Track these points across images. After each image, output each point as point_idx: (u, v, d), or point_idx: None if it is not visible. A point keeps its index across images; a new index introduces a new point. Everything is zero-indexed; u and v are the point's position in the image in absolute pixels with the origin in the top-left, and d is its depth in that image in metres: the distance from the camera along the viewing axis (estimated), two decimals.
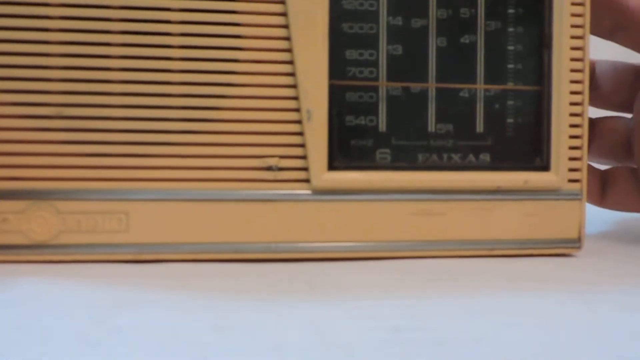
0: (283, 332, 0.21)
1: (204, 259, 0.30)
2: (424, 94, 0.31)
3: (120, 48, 0.29)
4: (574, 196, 0.33)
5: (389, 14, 0.31)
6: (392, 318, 0.22)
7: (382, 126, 0.31)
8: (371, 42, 0.31)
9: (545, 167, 0.32)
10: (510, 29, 0.32)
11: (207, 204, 0.30)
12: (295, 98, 0.30)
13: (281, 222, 0.30)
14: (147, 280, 0.27)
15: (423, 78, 0.31)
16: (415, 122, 0.31)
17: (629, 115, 0.39)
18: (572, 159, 0.33)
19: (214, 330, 0.21)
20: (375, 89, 0.31)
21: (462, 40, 0.32)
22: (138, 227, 0.29)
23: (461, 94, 0.32)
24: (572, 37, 0.32)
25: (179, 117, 0.29)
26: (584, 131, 0.33)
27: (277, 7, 0.30)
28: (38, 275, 0.26)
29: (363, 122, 0.31)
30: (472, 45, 0.32)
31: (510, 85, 0.32)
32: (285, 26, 0.30)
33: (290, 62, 0.30)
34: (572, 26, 0.32)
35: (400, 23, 0.31)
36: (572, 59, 0.32)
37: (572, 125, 0.32)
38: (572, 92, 0.32)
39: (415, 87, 0.31)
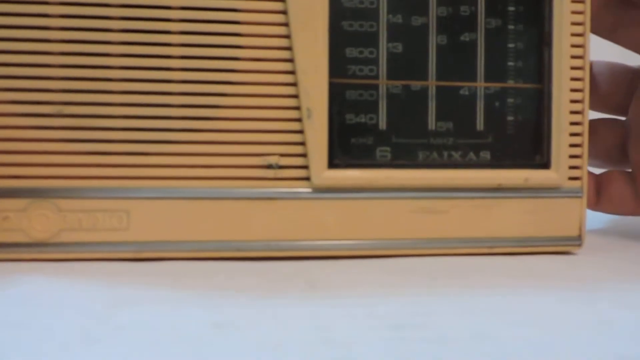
0: (283, 330, 0.21)
1: (204, 257, 0.30)
2: (424, 91, 0.31)
3: (120, 46, 0.29)
4: (575, 194, 0.33)
5: (389, 12, 0.31)
6: (392, 316, 0.22)
7: (383, 124, 0.31)
8: (371, 40, 0.31)
9: (545, 164, 0.32)
10: (511, 27, 0.32)
11: (207, 202, 0.30)
12: (296, 96, 0.30)
13: (281, 220, 0.30)
14: (148, 279, 0.27)
15: (423, 76, 0.31)
16: (415, 120, 0.31)
17: (623, 118, 0.39)
18: (572, 156, 0.33)
19: (214, 328, 0.21)
20: (375, 87, 0.31)
21: (462, 38, 0.32)
22: (139, 225, 0.29)
23: (461, 91, 0.32)
24: (573, 35, 0.32)
25: (179, 115, 0.29)
26: (585, 129, 0.33)
27: (277, 5, 0.30)
28: (39, 274, 0.26)
29: (363, 120, 0.31)
30: (472, 43, 0.32)
31: (510, 83, 0.32)
32: (285, 24, 0.30)
33: (290, 60, 0.30)
34: (573, 24, 0.32)
35: (400, 21, 0.31)
36: (573, 57, 0.32)
37: (573, 123, 0.32)
38: (573, 90, 0.32)
39: (416, 85, 0.31)
